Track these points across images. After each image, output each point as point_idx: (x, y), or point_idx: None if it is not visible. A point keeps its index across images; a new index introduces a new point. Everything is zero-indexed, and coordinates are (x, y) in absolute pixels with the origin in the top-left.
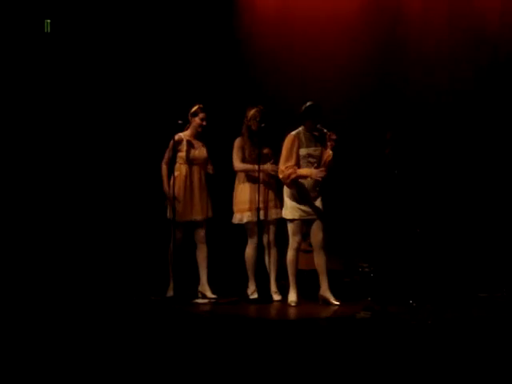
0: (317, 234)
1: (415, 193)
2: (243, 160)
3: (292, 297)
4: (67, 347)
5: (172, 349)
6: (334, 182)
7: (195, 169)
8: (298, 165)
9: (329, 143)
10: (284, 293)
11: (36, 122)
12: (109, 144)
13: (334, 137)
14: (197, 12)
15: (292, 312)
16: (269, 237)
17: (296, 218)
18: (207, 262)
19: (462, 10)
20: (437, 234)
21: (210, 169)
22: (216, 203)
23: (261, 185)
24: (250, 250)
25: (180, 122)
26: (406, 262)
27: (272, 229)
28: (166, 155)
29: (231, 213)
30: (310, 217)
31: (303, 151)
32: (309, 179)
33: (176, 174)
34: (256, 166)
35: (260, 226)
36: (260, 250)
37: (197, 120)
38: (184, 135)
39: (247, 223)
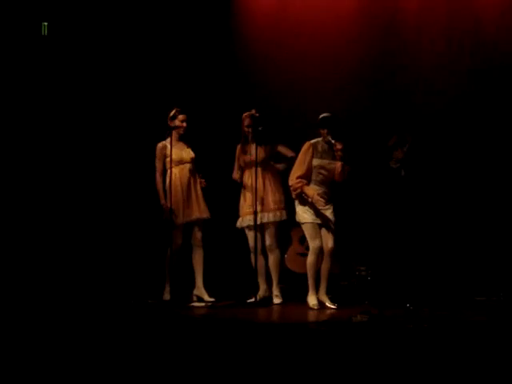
0: (327, 241)
1: (413, 195)
2: (239, 167)
3: (313, 300)
4: (64, 350)
5: (168, 352)
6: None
7: (185, 170)
8: (308, 175)
9: (336, 154)
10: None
11: (32, 124)
12: (106, 146)
13: (339, 147)
14: (193, 14)
15: (288, 315)
16: (269, 240)
17: (308, 221)
18: (203, 265)
19: (458, 11)
20: (434, 238)
21: (202, 182)
22: (214, 207)
23: (261, 187)
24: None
25: (168, 131)
26: (403, 266)
27: (271, 231)
28: (158, 165)
29: (229, 216)
30: (321, 222)
31: (316, 161)
32: (318, 188)
33: (168, 179)
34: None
35: (260, 228)
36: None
37: (177, 122)
38: (167, 142)
39: (247, 227)
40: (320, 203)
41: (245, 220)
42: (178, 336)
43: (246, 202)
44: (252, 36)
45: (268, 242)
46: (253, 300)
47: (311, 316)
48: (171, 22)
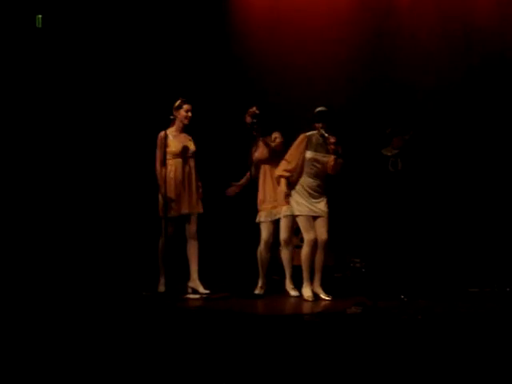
0: (321, 233)
1: (407, 188)
2: (251, 163)
3: (308, 292)
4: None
5: (163, 344)
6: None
7: (187, 161)
8: (298, 168)
9: (329, 147)
10: (276, 288)
11: (26, 116)
12: (99, 140)
13: (332, 140)
14: (189, 9)
15: (283, 307)
16: (285, 233)
17: (302, 213)
18: (198, 257)
19: (450, 7)
20: (428, 229)
21: (199, 191)
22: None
23: (271, 182)
24: (261, 248)
25: (172, 117)
26: (398, 258)
27: (285, 226)
28: (158, 154)
29: (224, 209)
30: (315, 214)
31: (309, 154)
32: (311, 180)
33: (164, 170)
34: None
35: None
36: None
37: (182, 112)
38: (169, 131)
39: (265, 221)
40: (284, 201)
41: (263, 214)
42: (172, 328)
43: (264, 197)
44: (248, 30)
45: (284, 235)
46: (260, 291)
47: (306, 308)
48: (168, 13)
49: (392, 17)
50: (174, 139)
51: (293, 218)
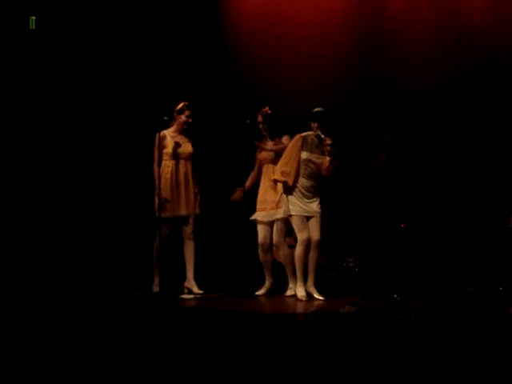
0: (314, 233)
1: (400, 188)
2: (255, 162)
3: (301, 292)
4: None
5: (158, 344)
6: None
7: (181, 164)
8: (295, 169)
9: (325, 149)
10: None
11: (21, 118)
12: (95, 140)
13: (328, 142)
14: (183, 11)
15: (276, 307)
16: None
17: (296, 213)
18: (194, 258)
19: (443, 8)
20: (421, 229)
21: (197, 197)
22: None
23: (263, 184)
24: (259, 250)
25: (165, 118)
26: (391, 257)
27: (279, 229)
28: (155, 154)
29: (220, 209)
30: (308, 214)
31: (304, 155)
32: (305, 181)
33: (162, 170)
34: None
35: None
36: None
37: (182, 117)
38: (168, 132)
39: (261, 221)
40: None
41: (261, 214)
42: (167, 328)
43: (265, 198)
44: (242, 32)
45: (277, 238)
46: (262, 292)
47: (299, 307)
48: (163, 14)
49: (385, 20)
50: (172, 140)
51: (286, 221)
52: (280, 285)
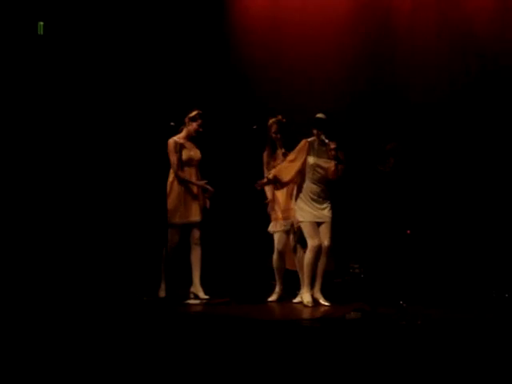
0: (325, 239)
1: (406, 194)
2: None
3: (307, 297)
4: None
5: (164, 349)
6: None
7: (191, 170)
8: (300, 173)
9: (329, 153)
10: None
11: (29, 123)
12: (104, 146)
13: (332, 146)
14: (188, 14)
15: (282, 312)
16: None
17: (307, 219)
18: (201, 263)
19: (450, 14)
20: (427, 236)
21: (207, 203)
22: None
23: (287, 192)
24: (275, 256)
25: (172, 124)
26: (397, 263)
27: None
28: (174, 159)
29: (225, 215)
30: (318, 219)
31: (311, 159)
32: (315, 186)
33: (171, 177)
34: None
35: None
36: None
37: (194, 125)
38: (178, 138)
39: (279, 230)
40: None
41: (278, 224)
42: (173, 333)
43: (279, 207)
44: (247, 37)
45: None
46: (274, 298)
47: (305, 313)
48: (168, 21)
49: (391, 26)
50: (182, 147)
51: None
52: (290, 291)
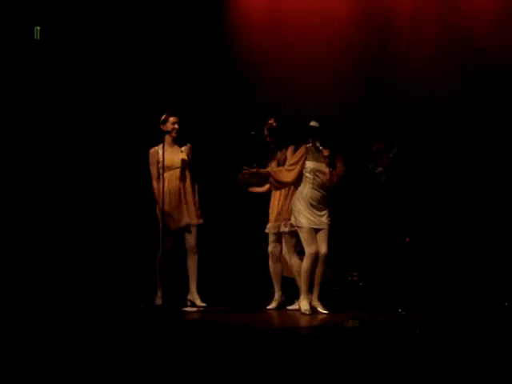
0: (322, 246)
1: (404, 202)
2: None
3: (305, 305)
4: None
5: (160, 357)
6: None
7: (175, 175)
8: (300, 175)
9: (324, 161)
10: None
11: (25, 128)
12: (99, 152)
13: (325, 154)
14: (185, 18)
15: (280, 320)
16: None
17: (305, 225)
18: (197, 270)
19: (450, 18)
20: (426, 243)
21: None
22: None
23: (281, 195)
24: (269, 262)
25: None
26: (395, 271)
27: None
28: (152, 171)
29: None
30: (316, 226)
31: (310, 164)
32: (316, 192)
33: (160, 185)
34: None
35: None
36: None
37: (168, 125)
38: (159, 146)
39: (275, 233)
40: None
41: (274, 226)
42: (169, 341)
43: (275, 210)
44: (245, 40)
45: (284, 250)
46: (273, 306)
47: (303, 321)
48: (165, 25)
49: (391, 27)
50: (166, 153)
51: (295, 233)
52: (289, 298)
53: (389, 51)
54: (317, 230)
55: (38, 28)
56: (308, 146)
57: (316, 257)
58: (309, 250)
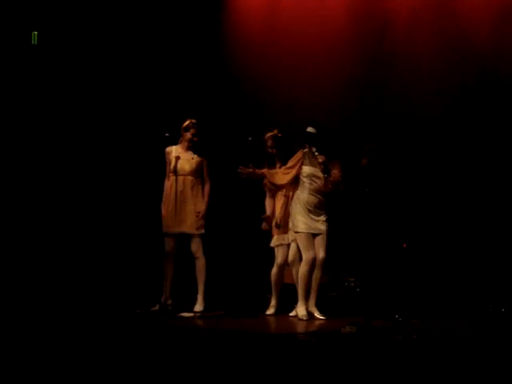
0: (319, 251)
1: (400, 208)
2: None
3: (302, 311)
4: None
5: (157, 362)
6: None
7: (182, 180)
8: (297, 181)
9: (319, 167)
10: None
11: (23, 133)
12: (103, 156)
13: (320, 160)
14: (183, 23)
15: (277, 326)
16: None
17: (303, 231)
18: (205, 275)
19: (448, 23)
20: (423, 249)
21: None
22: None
23: (285, 204)
24: (275, 270)
25: (167, 135)
26: (393, 277)
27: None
28: (166, 169)
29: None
30: (314, 231)
31: (306, 169)
32: (313, 197)
33: (166, 185)
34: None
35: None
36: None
37: (188, 135)
38: (175, 148)
39: (279, 245)
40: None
41: (280, 238)
42: (166, 346)
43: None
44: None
45: (291, 258)
46: (271, 312)
47: (300, 327)
48: (163, 30)
49: (388, 34)
50: (175, 156)
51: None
52: (285, 304)
53: (387, 57)
54: (314, 235)
55: (36, 33)
56: (305, 150)
57: (314, 262)
58: (306, 255)
